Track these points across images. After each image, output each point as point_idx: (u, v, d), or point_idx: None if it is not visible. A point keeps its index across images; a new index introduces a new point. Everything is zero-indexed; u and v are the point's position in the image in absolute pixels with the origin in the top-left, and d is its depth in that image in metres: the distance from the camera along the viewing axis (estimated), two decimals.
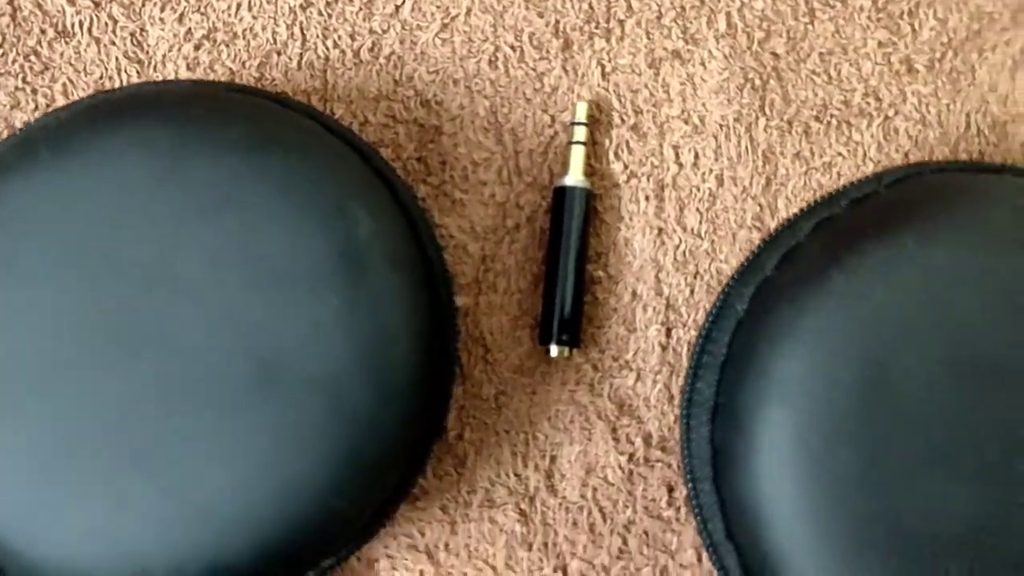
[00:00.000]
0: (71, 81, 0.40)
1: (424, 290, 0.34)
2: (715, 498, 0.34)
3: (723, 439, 0.34)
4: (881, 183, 0.35)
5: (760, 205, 0.41)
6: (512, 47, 0.41)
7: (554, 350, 0.39)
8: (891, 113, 0.41)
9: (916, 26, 0.41)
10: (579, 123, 0.40)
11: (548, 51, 0.41)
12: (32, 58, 0.40)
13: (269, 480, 0.31)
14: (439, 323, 0.34)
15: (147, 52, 0.40)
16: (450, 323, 0.35)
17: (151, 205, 0.32)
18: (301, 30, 0.40)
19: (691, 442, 0.35)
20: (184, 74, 0.40)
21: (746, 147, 0.41)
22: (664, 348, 0.40)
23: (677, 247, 0.40)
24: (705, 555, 0.38)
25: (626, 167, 0.41)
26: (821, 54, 0.41)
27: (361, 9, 0.40)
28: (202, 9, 0.40)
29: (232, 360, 0.31)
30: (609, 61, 0.41)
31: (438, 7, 0.40)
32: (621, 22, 0.41)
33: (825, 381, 0.32)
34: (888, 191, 0.35)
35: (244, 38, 0.40)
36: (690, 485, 0.35)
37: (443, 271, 0.35)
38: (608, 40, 0.41)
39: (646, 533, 0.39)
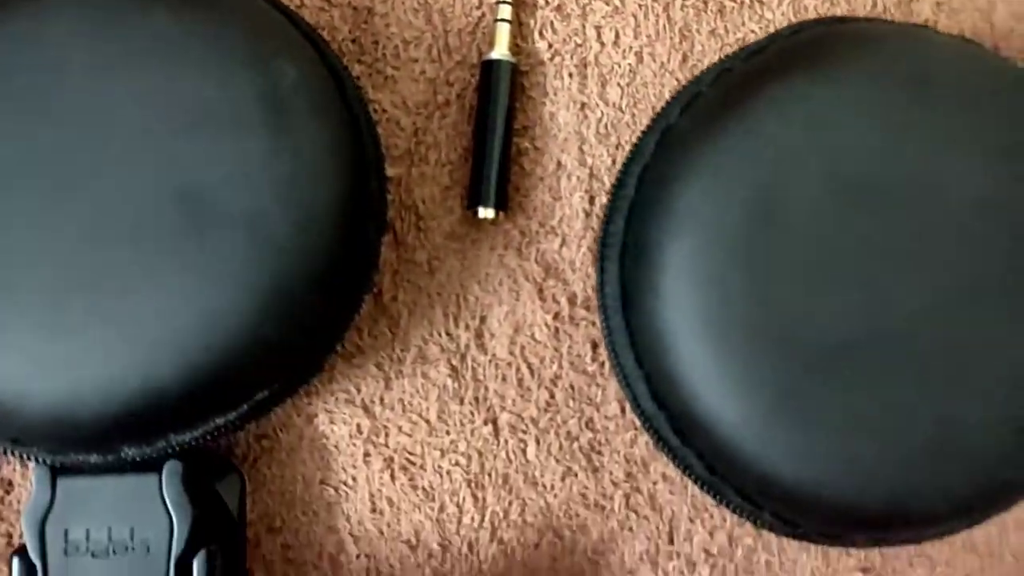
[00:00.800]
0: None
1: (346, 137, 0.36)
2: (625, 330, 0.36)
3: (631, 273, 0.36)
4: (780, 35, 0.37)
5: (677, 79, 0.43)
6: None
7: (482, 212, 0.41)
8: None
9: None
10: (504, 1, 0.42)
11: None
12: None
13: (196, 308, 0.33)
14: (362, 169, 0.36)
15: None
16: (375, 172, 0.37)
17: (86, 56, 0.34)
18: None
19: (605, 283, 0.37)
20: None
21: (664, 25, 0.43)
22: (587, 215, 0.42)
23: (599, 120, 0.42)
24: (628, 407, 0.40)
25: (550, 46, 0.43)
26: None
27: None
28: None
29: (160, 198, 0.33)
30: None
31: None
32: None
33: (717, 210, 0.34)
34: (785, 41, 0.37)
35: None
36: (604, 323, 0.37)
37: (369, 126, 0.37)
38: None
39: (572, 387, 0.41)
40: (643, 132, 0.38)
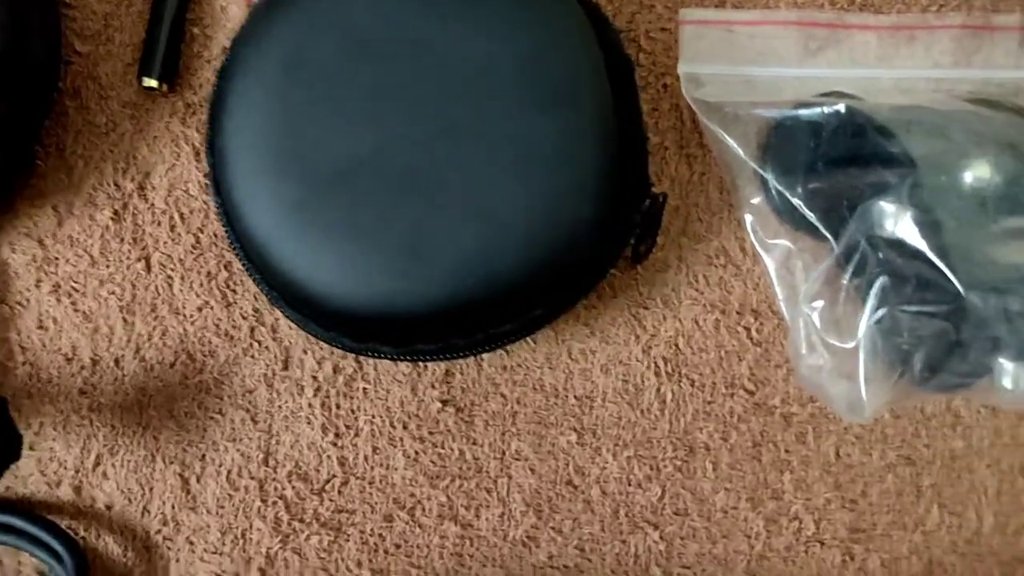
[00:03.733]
0: None
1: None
2: (212, 170, 0.43)
3: (213, 123, 0.43)
4: None
5: None
6: None
7: (146, 81, 0.48)
8: None
9: None
10: None
11: None
12: None
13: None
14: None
15: None
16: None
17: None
18: None
19: (212, 135, 0.44)
20: None
21: None
22: None
23: None
24: None
25: None
26: None
27: None
28: None
29: None
30: None
31: None
32: None
33: (261, 66, 0.41)
34: None
35: None
36: (209, 169, 0.44)
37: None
38: None
39: (215, 235, 0.49)
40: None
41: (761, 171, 0.46)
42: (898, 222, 0.40)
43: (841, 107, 0.42)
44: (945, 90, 0.48)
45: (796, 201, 0.45)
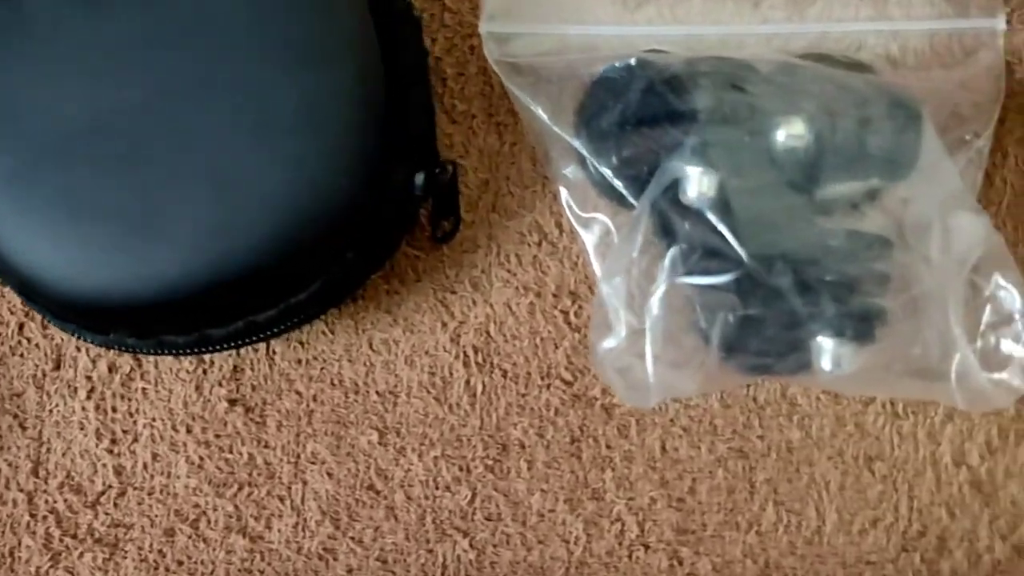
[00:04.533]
0: None
1: None
2: None
3: None
4: None
5: None
6: None
7: None
8: None
9: None
10: None
11: None
12: None
13: None
14: None
15: None
16: None
17: None
18: None
19: None
20: None
21: None
22: None
23: None
24: None
25: None
26: None
27: None
28: None
29: None
30: None
31: None
32: None
33: None
34: None
35: None
36: None
37: None
38: None
39: None
40: None
41: (570, 139, 0.41)
42: (684, 185, 0.35)
43: (632, 61, 0.38)
44: (776, 48, 0.44)
45: (605, 171, 0.40)
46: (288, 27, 0.35)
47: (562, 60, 0.43)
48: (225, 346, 0.38)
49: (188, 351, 0.38)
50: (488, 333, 0.43)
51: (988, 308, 0.39)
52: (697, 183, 0.35)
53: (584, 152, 0.41)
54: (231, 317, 0.36)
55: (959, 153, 0.43)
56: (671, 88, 0.36)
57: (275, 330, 0.38)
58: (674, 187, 0.36)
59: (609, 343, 0.36)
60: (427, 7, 0.45)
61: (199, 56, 0.35)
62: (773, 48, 0.44)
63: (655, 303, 0.35)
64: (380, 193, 0.37)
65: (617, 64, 0.38)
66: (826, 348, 0.37)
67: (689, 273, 0.35)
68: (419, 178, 0.38)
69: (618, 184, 0.40)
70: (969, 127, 0.43)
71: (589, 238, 0.43)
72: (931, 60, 0.45)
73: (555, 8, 0.44)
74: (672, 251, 0.35)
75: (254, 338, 0.38)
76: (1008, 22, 0.45)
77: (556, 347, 0.43)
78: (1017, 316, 0.38)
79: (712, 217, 0.34)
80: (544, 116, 0.42)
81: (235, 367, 0.43)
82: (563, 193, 0.43)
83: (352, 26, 0.36)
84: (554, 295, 0.44)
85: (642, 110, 0.38)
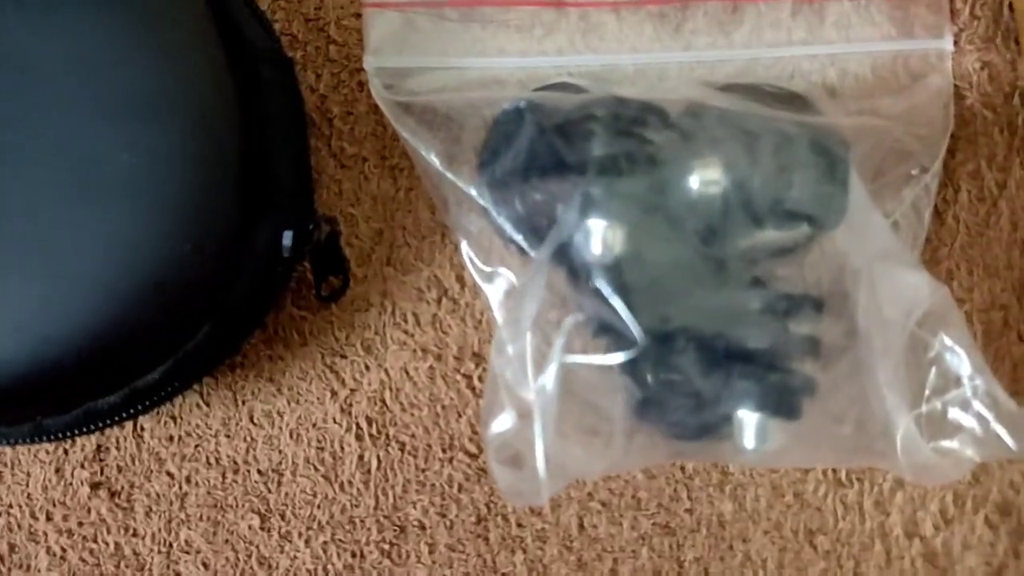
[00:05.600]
0: None
1: None
2: None
3: None
4: None
5: None
6: None
7: None
8: None
9: None
10: None
11: None
12: None
13: None
14: None
15: None
16: None
17: None
18: None
19: None
20: None
21: None
22: None
23: None
24: None
25: None
26: None
27: None
28: None
29: None
30: None
31: None
32: None
33: None
34: None
35: None
36: None
37: None
38: None
39: None
40: None
41: (465, 188, 0.37)
42: (576, 245, 0.31)
43: (522, 104, 0.33)
44: (698, 77, 0.40)
45: (506, 223, 0.36)
46: (119, 76, 0.31)
47: (462, 97, 0.39)
48: (63, 435, 0.33)
49: (23, 442, 0.33)
50: (383, 401, 0.39)
51: (933, 370, 0.34)
52: (588, 244, 0.31)
53: (482, 202, 0.36)
54: (67, 405, 0.32)
55: (905, 190, 0.39)
56: (562, 135, 0.32)
57: (120, 417, 0.33)
58: (559, 244, 0.31)
59: (497, 427, 0.32)
60: (310, 39, 0.40)
61: (26, 110, 0.31)
62: (696, 78, 0.39)
63: (547, 381, 0.31)
64: (237, 259, 0.32)
65: (506, 107, 0.34)
66: (748, 423, 0.32)
67: (583, 351, 0.30)
68: (287, 237, 0.33)
69: (518, 238, 0.35)
70: (915, 161, 0.39)
71: (494, 294, 0.38)
72: (873, 87, 0.41)
73: (452, 39, 0.39)
74: (567, 321, 0.31)
75: (97, 426, 0.33)
76: (956, 43, 0.41)
77: (459, 416, 0.39)
78: (965, 379, 0.34)
79: (603, 285, 0.30)
80: (436, 162, 0.37)
81: (99, 446, 0.39)
82: (464, 245, 0.38)
83: (197, 72, 0.32)
84: (456, 358, 0.39)
85: (532, 159, 0.33)
